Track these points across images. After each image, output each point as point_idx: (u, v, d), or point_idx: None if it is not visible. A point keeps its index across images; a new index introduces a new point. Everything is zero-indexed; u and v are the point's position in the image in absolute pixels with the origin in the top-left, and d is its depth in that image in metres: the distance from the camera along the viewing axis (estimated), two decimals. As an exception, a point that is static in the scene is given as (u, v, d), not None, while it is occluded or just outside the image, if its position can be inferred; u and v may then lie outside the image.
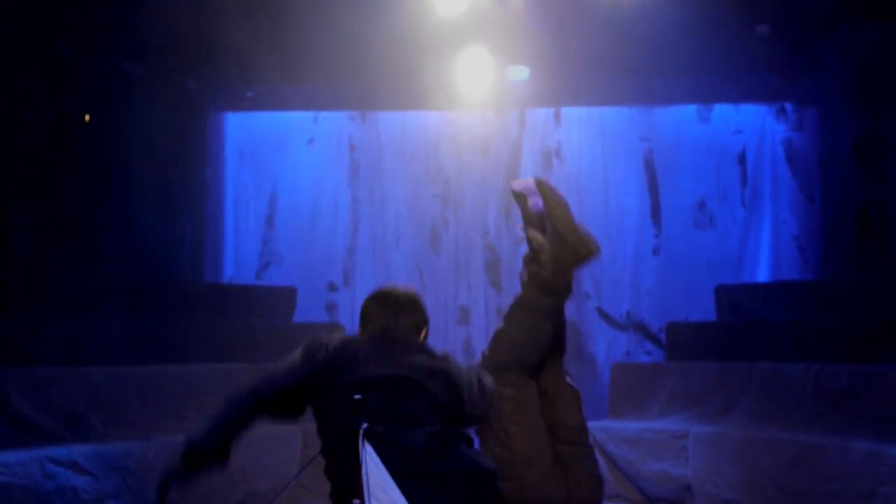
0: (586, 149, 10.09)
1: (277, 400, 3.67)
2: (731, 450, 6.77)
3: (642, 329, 9.90)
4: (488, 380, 3.79)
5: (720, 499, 6.83)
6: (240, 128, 10.16)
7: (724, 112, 10.06)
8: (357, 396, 2.61)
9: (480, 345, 9.69)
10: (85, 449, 6.13)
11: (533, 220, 4.86)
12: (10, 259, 7.96)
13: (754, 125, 10.02)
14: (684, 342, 8.55)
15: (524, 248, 9.86)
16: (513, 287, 9.82)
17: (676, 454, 7.18)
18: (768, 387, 7.03)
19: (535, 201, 4.82)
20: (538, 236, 4.75)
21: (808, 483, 6.15)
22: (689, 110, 10.04)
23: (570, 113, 10.11)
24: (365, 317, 3.84)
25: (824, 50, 9.06)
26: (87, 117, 8.70)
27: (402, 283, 9.72)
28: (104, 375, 6.75)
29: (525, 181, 4.96)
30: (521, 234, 4.98)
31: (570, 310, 9.71)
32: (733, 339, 8.05)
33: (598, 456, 4.76)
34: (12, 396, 6.18)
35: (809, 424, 6.50)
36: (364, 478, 2.44)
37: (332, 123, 10.18)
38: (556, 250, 4.64)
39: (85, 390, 6.61)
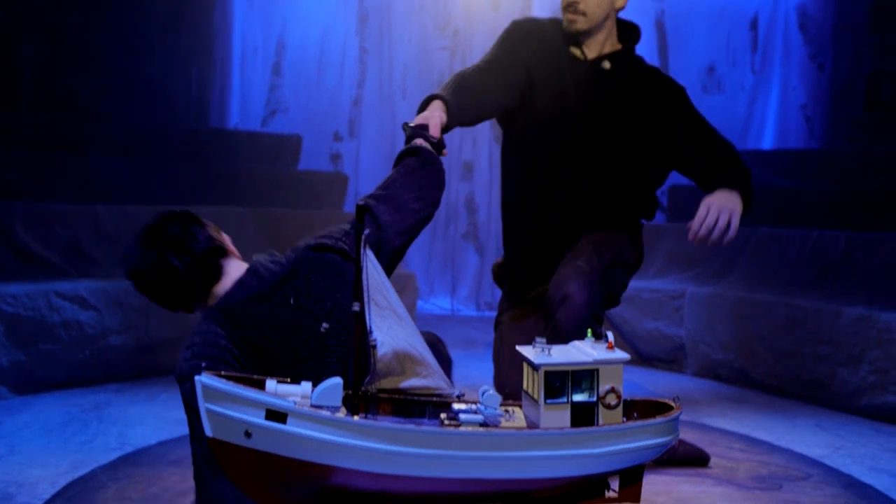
0: (598, 7, 9.98)
1: None
2: (726, 311, 6.86)
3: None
4: None
5: (712, 359, 6.95)
6: (249, -28, 10.07)
7: (738, -25, 9.97)
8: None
9: (483, 201, 9.76)
10: (90, 284, 6.22)
11: None
12: (18, 99, 7.97)
13: (769, -10, 9.94)
14: (686, 205, 8.56)
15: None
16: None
17: (671, 314, 7.27)
18: (766, 251, 7.08)
19: None
20: None
21: (800, 345, 6.25)
22: (703, -28, 9.96)
23: (584, -29, 9.99)
24: None
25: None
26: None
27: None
28: (110, 213, 6.80)
29: None
30: None
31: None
32: (734, 204, 8.07)
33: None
34: (18, 230, 6.25)
35: (804, 289, 6.58)
36: (364, 282, 2.51)
37: (342, -29, 10.10)
38: None
39: (90, 227, 6.66)
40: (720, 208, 3.99)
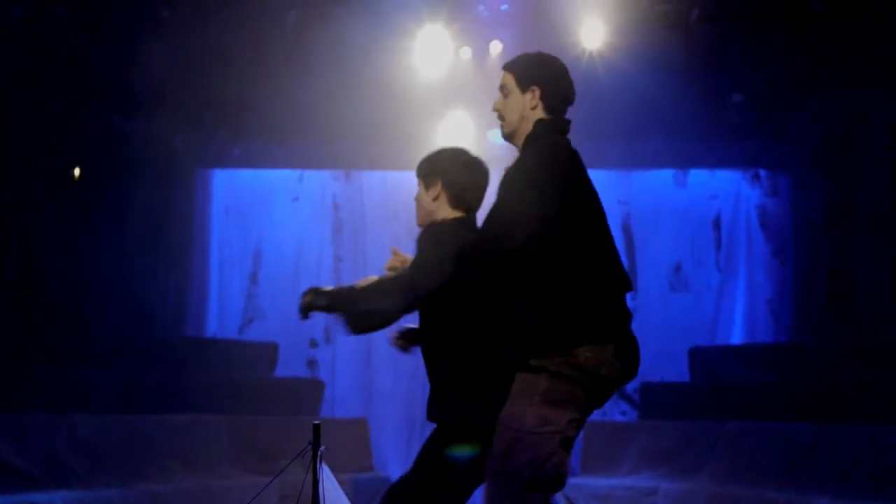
0: (565, 211, 10.24)
1: None
2: (700, 506, 6.93)
3: (618, 390, 10.01)
4: None
5: (688, 555, 6.98)
6: (226, 184, 10.36)
7: (700, 177, 10.28)
8: None
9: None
10: (67, 495, 6.26)
11: None
12: (-1, 310, 8.12)
13: (729, 190, 10.24)
14: (657, 402, 8.72)
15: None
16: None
17: (646, 510, 7.33)
18: (736, 445, 7.19)
19: None
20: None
21: (772, 539, 6.31)
22: (666, 175, 10.24)
23: (550, 175, 10.29)
24: None
25: (795, 118, 9.32)
26: (76, 172, 8.89)
27: (382, 340, 9.94)
28: (88, 424, 6.88)
29: None
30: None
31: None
32: (704, 400, 8.23)
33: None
34: (-3, 442, 6.31)
35: (775, 482, 6.67)
36: (321, 496, 2.62)
37: (316, 182, 10.38)
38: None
39: (69, 438, 6.72)
40: None
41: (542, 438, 3.59)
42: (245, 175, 10.41)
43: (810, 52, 8.51)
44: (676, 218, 10.25)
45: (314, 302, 3.81)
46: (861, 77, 8.54)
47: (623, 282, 3.86)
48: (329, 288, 3.82)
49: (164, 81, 8.36)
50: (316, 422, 2.76)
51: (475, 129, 9.17)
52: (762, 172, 10.12)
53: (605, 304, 3.82)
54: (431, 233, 4.02)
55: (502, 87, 4.08)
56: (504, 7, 8.53)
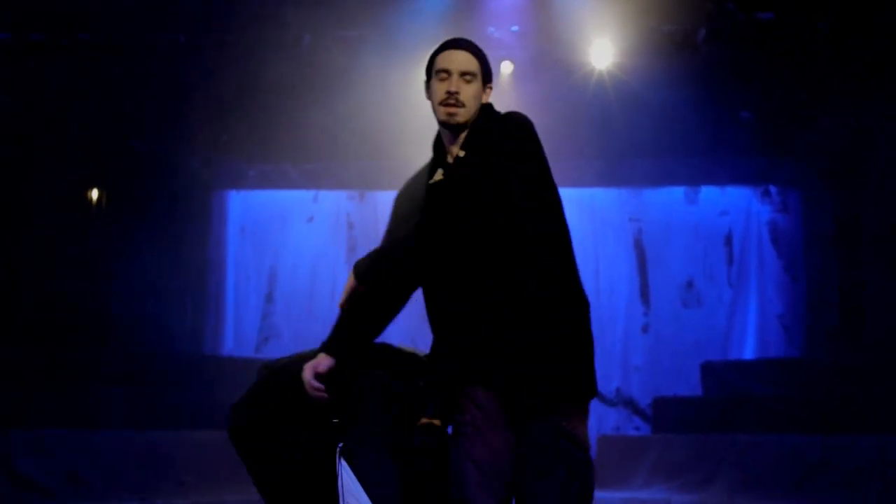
0: (577, 229, 10.16)
1: None
2: (711, 519, 6.99)
3: (631, 405, 10.10)
4: None
5: (700, 567, 7.03)
6: (242, 205, 10.47)
7: (710, 194, 10.35)
8: None
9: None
10: (85, 510, 6.34)
11: None
12: (19, 329, 8.23)
13: (740, 206, 10.30)
14: (670, 416, 8.77)
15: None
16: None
17: (658, 523, 7.38)
18: (747, 458, 7.25)
19: None
20: None
21: (783, 550, 6.36)
22: (678, 192, 10.31)
23: (561, 194, 10.36)
24: None
25: (804, 134, 9.38)
26: (94, 194, 9.02)
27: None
28: (106, 439, 6.97)
29: None
30: None
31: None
32: (716, 414, 8.28)
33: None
34: (15, 457, 6.39)
35: (784, 493, 6.72)
36: (340, 489, 2.73)
37: (331, 202, 10.49)
38: None
39: (86, 453, 6.81)
40: None
41: None
42: (260, 196, 10.52)
43: (818, 71, 8.59)
44: (688, 234, 10.32)
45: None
46: (868, 95, 8.61)
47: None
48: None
49: (182, 104, 8.51)
50: (335, 419, 2.86)
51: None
52: (772, 188, 10.18)
53: None
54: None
55: (469, 74, 3.57)
56: (514, 28, 8.65)
